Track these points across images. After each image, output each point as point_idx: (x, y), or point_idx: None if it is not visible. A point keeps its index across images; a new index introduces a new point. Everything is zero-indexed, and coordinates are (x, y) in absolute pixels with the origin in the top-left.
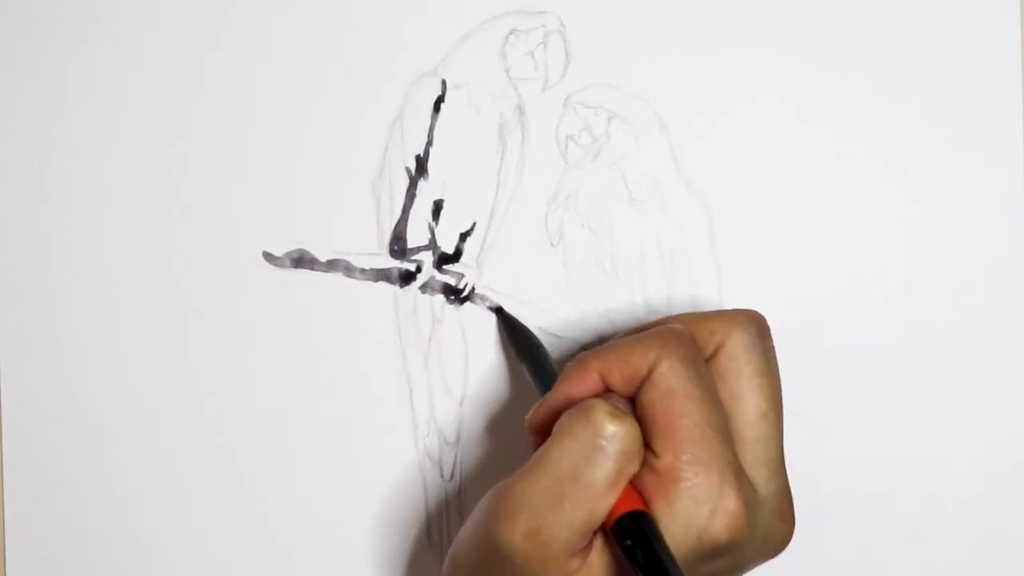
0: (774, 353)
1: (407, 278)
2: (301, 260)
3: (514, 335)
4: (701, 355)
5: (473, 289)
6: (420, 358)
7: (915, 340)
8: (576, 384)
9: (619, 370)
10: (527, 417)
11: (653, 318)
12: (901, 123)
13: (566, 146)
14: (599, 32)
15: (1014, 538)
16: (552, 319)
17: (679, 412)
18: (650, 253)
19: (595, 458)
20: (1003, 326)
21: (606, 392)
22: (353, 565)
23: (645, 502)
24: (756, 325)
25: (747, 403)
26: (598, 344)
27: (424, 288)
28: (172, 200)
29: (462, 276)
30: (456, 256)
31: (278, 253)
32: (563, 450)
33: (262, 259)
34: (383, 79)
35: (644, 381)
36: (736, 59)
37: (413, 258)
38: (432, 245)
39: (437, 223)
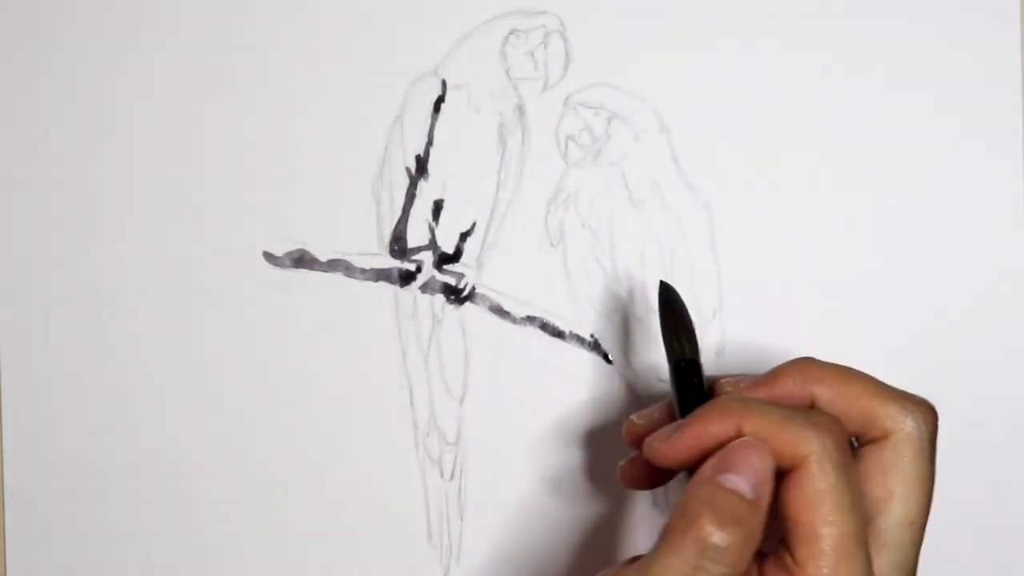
0: (935, 456)
1: (407, 278)
2: (301, 260)
3: (672, 324)
4: (851, 454)
5: (473, 289)
6: (420, 358)
7: (915, 340)
8: (711, 430)
9: (764, 439)
10: (649, 440)
11: (653, 318)
12: (901, 123)
13: (566, 146)
14: (599, 32)
15: (1014, 538)
16: (552, 319)
17: (825, 520)
18: (650, 253)
19: (702, 569)
20: (1003, 326)
21: (743, 441)
22: (353, 565)
23: None
24: (931, 424)
25: (901, 507)
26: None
27: (424, 288)
28: (172, 200)
29: (462, 276)
30: (456, 256)
31: (278, 253)
32: (667, 567)
33: (262, 259)
34: (383, 79)
35: (790, 473)
36: (736, 59)
37: (413, 258)
38: (432, 245)
39: (437, 223)
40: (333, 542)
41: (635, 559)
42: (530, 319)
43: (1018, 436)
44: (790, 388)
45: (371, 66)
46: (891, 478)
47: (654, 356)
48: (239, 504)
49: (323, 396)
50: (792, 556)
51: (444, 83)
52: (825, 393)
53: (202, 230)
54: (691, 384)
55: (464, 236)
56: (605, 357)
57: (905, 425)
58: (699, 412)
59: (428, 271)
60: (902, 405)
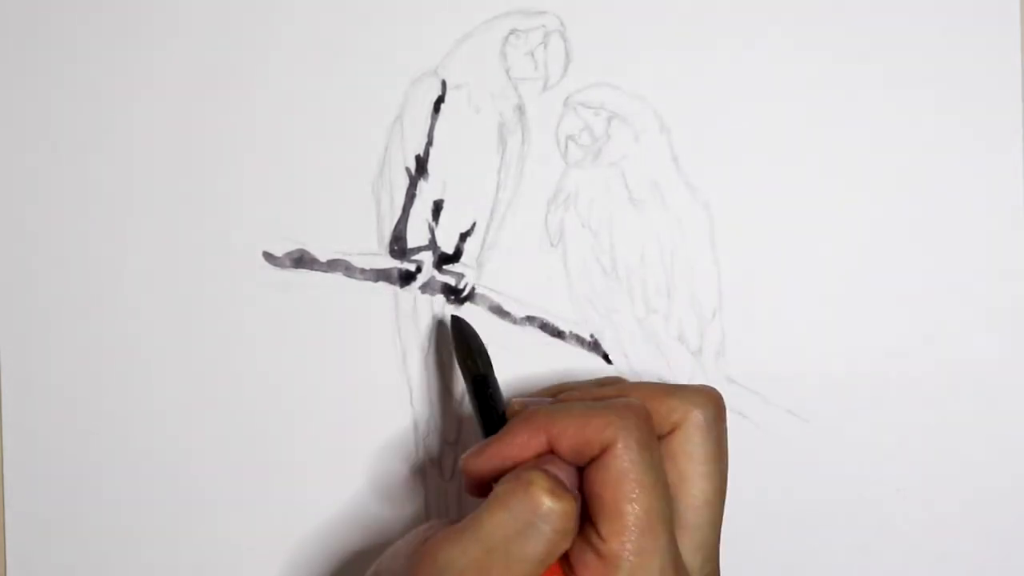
0: (726, 438)
1: (407, 278)
2: (301, 260)
3: (463, 347)
4: (655, 436)
5: (473, 289)
6: (420, 358)
7: (915, 340)
8: (521, 443)
9: (570, 439)
10: (464, 456)
11: (653, 318)
12: (901, 123)
13: (566, 146)
14: (599, 32)
15: (1015, 538)
16: (552, 319)
17: (628, 498)
18: (650, 253)
19: (529, 535)
20: (1003, 326)
21: (550, 455)
22: (354, 565)
23: None
24: (715, 407)
25: (694, 488)
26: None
27: (424, 288)
28: (172, 200)
29: (462, 276)
30: (456, 256)
31: (278, 253)
32: (496, 522)
33: (262, 259)
34: (383, 79)
35: (596, 458)
36: (736, 59)
37: (413, 258)
38: (432, 245)
39: (437, 223)
40: (334, 541)
41: (456, 521)
42: (530, 319)
43: (1018, 436)
44: (589, 394)
45: (371, 66)
46: (683, 462)
47: (654, 356)
48: (239, 504)
49: (323, 396)
50: (597, 532)
51: (444, 83)
52: None
53: (202, 230)
54: (487, 396)
55: (464, 236)
56: (605, 357)
57: (690, 414)
58: (511, 426)
59: (428, 271)
60: (684, 397)
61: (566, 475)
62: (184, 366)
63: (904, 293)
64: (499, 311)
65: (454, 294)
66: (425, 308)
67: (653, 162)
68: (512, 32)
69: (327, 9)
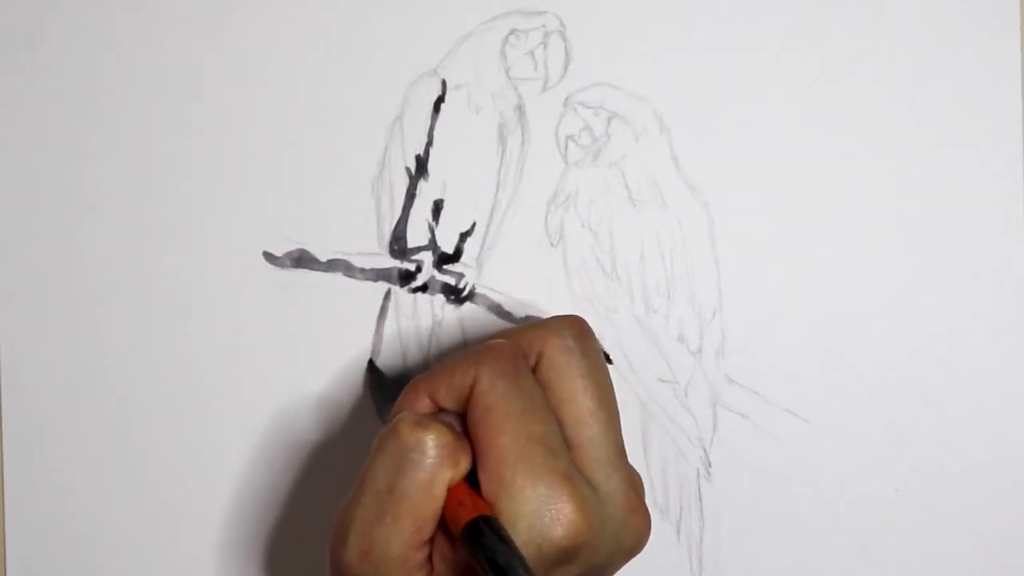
0: (597, 354)
1: (407, 278)
2: (301, 260)
3: (377, 388)
4: (523, 367)
5: (473, 289)
6: (420, 358)
7: (915, 340)
8: (407, 406)
9: (445, 389)
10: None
11: (653, 318)
12: (901, 123)
13: (566, 146)
14: (599, 32)
15: (1015, 538)
16: None
17: (498, 431)
18: (650, 253)
19: (404, 469)
20: (1003, 326)
21: (439, 411)
22: None
23: None
24: (572, 329)
25: (574, 406)
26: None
27: (424, 288)
28: (172, 200)
29: (462, 276)
30: (456, 256)
31: (278, 253)
32: (376, 467)
33: (262, 259)
34: (383, 79)
35: (468, 400)
36: (736, 59)
37: (413, 258)
38: (432, 245)
39: (437, 223)
40: None
41: None
42: (530, 319)
43: (1018, 436)
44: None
45: (371, 66)
46: (555, 385)
47: (654, 356)
48: (239, 504)
49: (323, 396)
50: (479, 473)
51: (444, 83)
52: None
53: (202, 230)
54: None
55: (464, 236)
56: (605, 357)
57: (548, 339)
58: (398, 399)
59: (428, 271)
60: (542, 325)
61: (455, 424)
62: (184, 366)
63: (904, 292)
64: (499, 311)
65: (454, 294)
66: (425, 308)
67: (653, 162)
68: (512, 32)
69: (327, 9)
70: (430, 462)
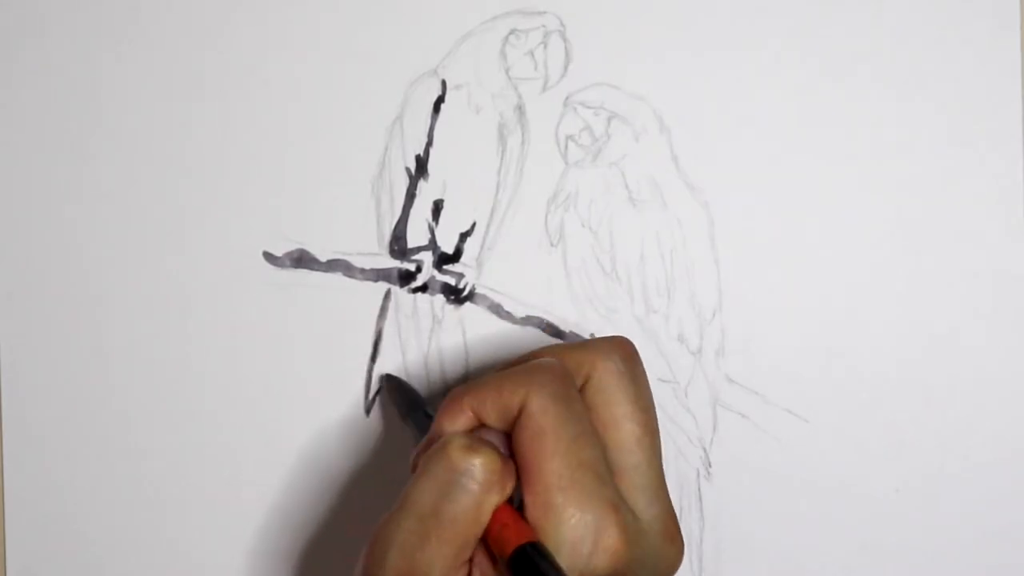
0: (644, 378)
1: (407, 278)
2: (301, 260)
3: (400, 395)
4: (572, 388)
5: (473, 289)
6: (420, 358)
7: (915, 340)
8: (449, 421)
9: (491, 406)
10: (411, 458)
11: (653, 318)
12: (901, 123)
13: (566, 146)
14: (599, 32)
15: (1015, 538)
16: (552, 319)
17: (549, 453)
18: (650, 253)
19: (452, 494)
20: (1003, 326)
21: (480, 427)
22: (352, 564)
23: None
24: (621, 352)
25: (620, 432)
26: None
27: (424, 288)
28: (172, 200)
29: (462, 276)
30: (456, 256)
31: (278, 253)
32: (422, 489)
33: (262, 259)
34: (383, 79)
35: (516, 420)
36: (736, 59)
37: (413, 258)
38: (432, 245)
39: (437, 223)
40: (333, 541)
41: None
42: (530, 319)
43: (1018, 436)
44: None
45: (371, 66)
46: (602, 410)
47: (654, 356)
48: (239, 504)
49: (323, 396)
50: (524, 499)
51: (444, 83)
52: None
53: (202, 230)
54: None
55: (464, 236)
56: None
57: (597, 363)
58: (438, 412)
59: (428, 271)
60: (590, 348)
61: (497, 443)
62: (184, 366)
63: (904, 293)
64: (499, 311)
65: (454, 294)
66: (425, 308)
67: (653, 162)
68: (512, 32)
69: (327, 9)
70: (478, 488)
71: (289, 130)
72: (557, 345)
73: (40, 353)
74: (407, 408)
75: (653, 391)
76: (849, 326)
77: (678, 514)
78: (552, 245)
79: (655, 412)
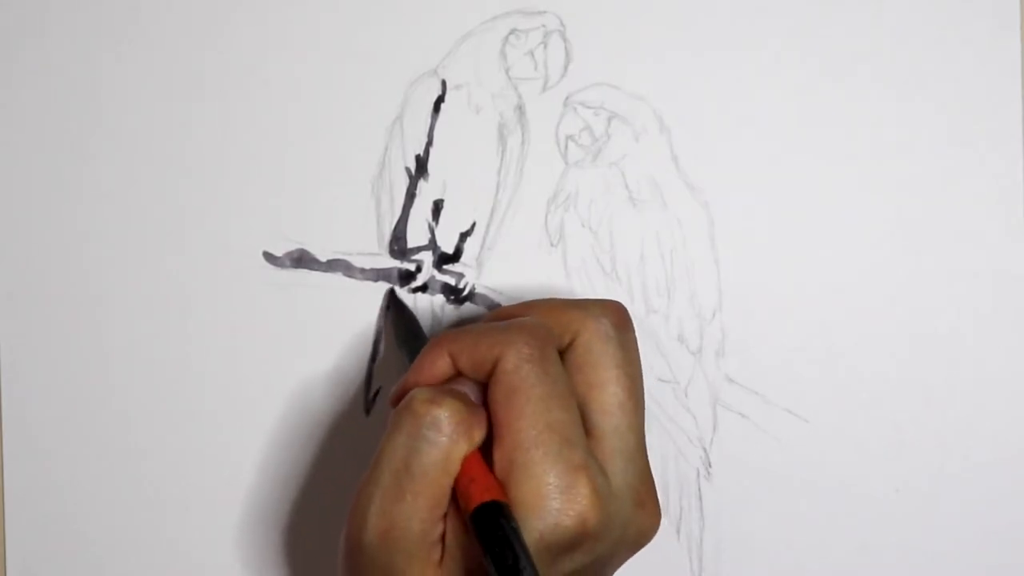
0: (634, 344)
1: (407, 278)
2: (301, 260)
3: (399, 320)
4: (550, 350)
5: (473, 289)
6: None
7: (915, 340)
8: (428, 365)
9: (467, 357)
10: (388, 395)
11: (653, 318)
12: (901, 123)
13: (566, 146)
14: (599, 32)
15: (1015, 538)
16: None
17: (518, 413)
18: (650, 253)
19: (420, 447)
20: (1003, 326)
21: (457, 376)
22: None
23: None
24: (613, 316)
25: (603, 393)
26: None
27: (424, 288)
28: (172, 200)
29: (462, 276)
30: (456, 256)
31: (278, 253)
32: (393, 444)
33: (262, 259)
34: (383, 79)
35: (490, 375)
36: (736, 59)
37: (413, 258)
38: (432, 245)
39: (437, 223)
40: (332, 539)
41: None
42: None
43: (1018, 436)
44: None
45: (371, 66)
46: (587, 371)
47: (654, 356)
48: (239, 504)
49: (323, 396)
50: (494, 451)
51: (444, 83)
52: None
53: (202, 230)
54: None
55: (464, 236)
56: None
57: (587, 323)
58: (420, 352)
59: (428, 271)
60: (581, 308)
61: (471, 392)
62: (184, 366)
63: (904, 292)
64: None
65: (454, 294)
66: (425, 308)
67: (653, 162)
68: (512, 32)
69: (327, 9)
70: (445, 439)
71: (289, 130)
72: (550, 300)
73: (40, 353)
74: (404, 335)
75: (653, 391)
76: (849, 326)
77: (678, 514)
78: (552, 245)
79: (641, 379)
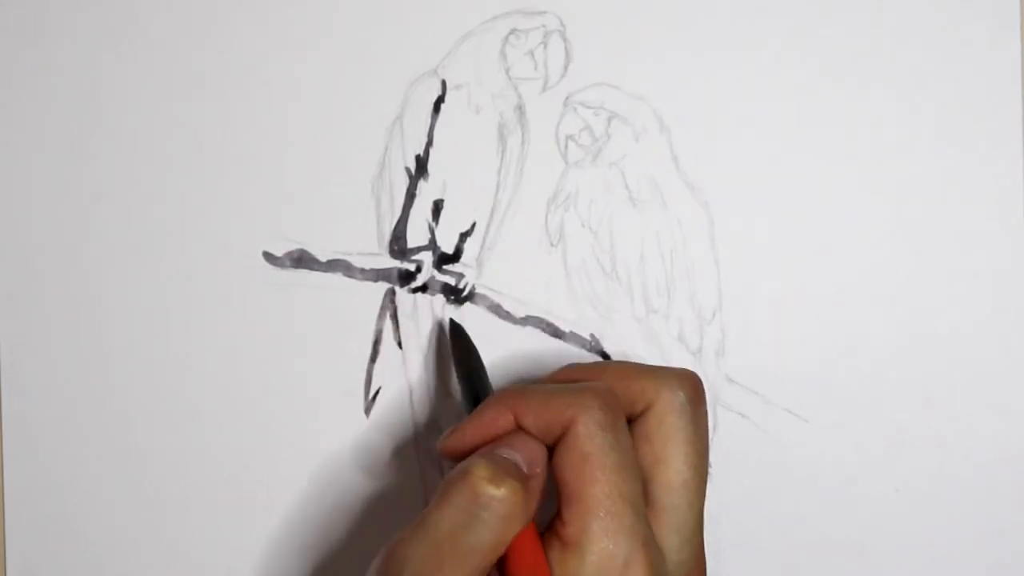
0: (706, 420)
1: (407, 278)
2: (301, 260)
3: (458, 347)
4: (621, 417)
5: (473, 289)
6: (420, 358)
7: (915, 340)
8: (489, 422)
9: (534, 417)
10: (440, 440)
11: (653, 318)
12: (901, 123)
13: (566, 146)
14: (599, 32)
15: (1015, 538)
16: (552, 319)
17: (591, 480)
18: (650, 253)
19: (472, 526)
20: (1003, 326)
21: (517, 431)
22: (350, 566)
23: (551, 566)
24: (690, 388)
25: (670, 469)
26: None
27: (424, 288)
28: (172, 200)
29: (462, 276)
30: (456, 256)
31: (278, 253)
32: (442, 516)
33: (262, 259)
34: (383, 79)
35: (559, 439)
36: (736, 59)
37: (413, 258)
38: (432, 245)
39: (437, 223)
40: (331, 541)
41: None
42: (530, 319)
43: (1019, 436)
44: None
45: (371, 66)
46: (657, 444)
47: (654, 356)
48: (238, 505)
49: (323, 396)
50: (561, 518)
51: (444, 83)
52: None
53: (202, 230)
54: (477, 392)
55: (464, 236)
56: (605, 357)
57: (662, 394)
58: (480, 405)
59: (428, 271)
60: (657, 377)
61: (529, 452)
62: (184, 366)
63: (904, 292)
64: (499, 311)
65: (454, 294)
66: (425, 308)
67: (653, 162)
68: (512, 32)
69: (327, 9)
70: (500, 522)
71: (289, 130)
72: (624, 363)
73: (40, 353)
74: (464, 366)
75: None
76: (849, 326)
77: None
78: (552, 245)
79: (708, 456)
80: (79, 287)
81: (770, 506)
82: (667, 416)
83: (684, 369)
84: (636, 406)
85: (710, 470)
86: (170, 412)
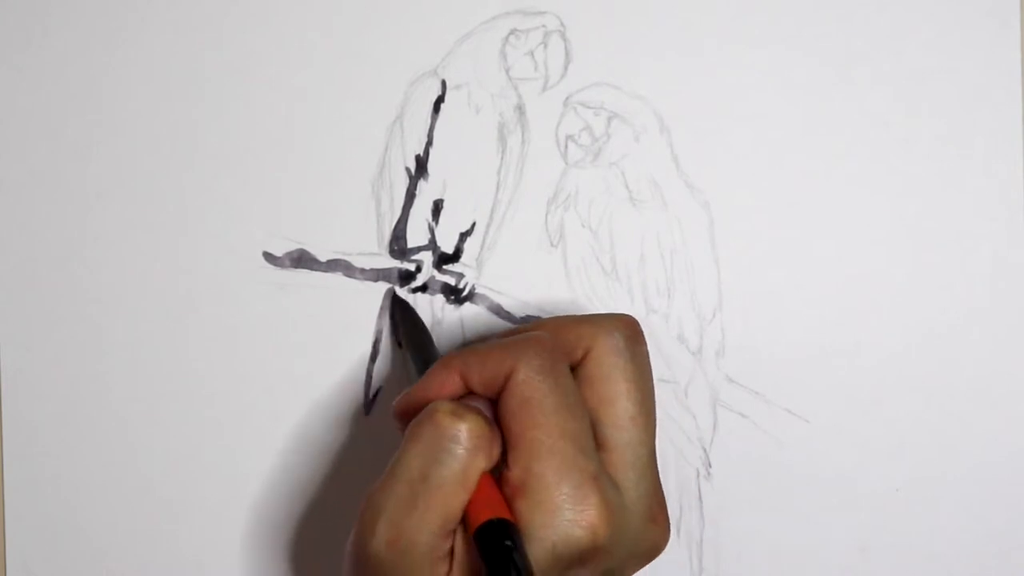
0: (646, 358)
1: (407, 278)
2: (301, 260)
3: (405, 320)
4: (561, 363)
5: (473, 289)
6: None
7: (915, 340)
8: (437, 384)
9: (477, 373)
10: (392, 404)
11: (653, 318)
12: (901, 123)
13: (566, 146)
14: (599, 32)
15: (1015, 538)
16: None
17: (531, 424)
18: (650, 253)
19: (441, 459)
20: (1003, 326)
21: (468, 394)
22: None
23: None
24: (625, 330)
25: (615, 408)
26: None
27: (424, 288)
28: (172, 200)
29: (462, 276)
30: (456, 256)
31: (278, 253)
32: (411, 454)
33: (262, 259)
34: (383, 79)
35: (502, 389)
36: (736, 59)
37: (413, 258)
38: (432, 245)
39: (437, 223)
40: (332, 539)
41: None
42: (530, 319)
43: (1018, 436)
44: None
45: (371, 66)
46: (599, 385)
47: (654, 356)
48: (238, 504)
49: (323, 396)
50: (507, 464)
51: (444, 83)
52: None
53: (202, 230)
54: (428, 361)
55: (464, 236)
56: None
57: (599, 338)
58: (428, 370)
59: (428, 271)
60: (594, 323)
61: (483, 407)
62: (184, 366)
63: (904, 293)
64: (499, 311)
65: (454, 294)
66: (425, 308)
67: (653, 162)
68: (512, 32)
69: (327, 9)
70: (466, 452)
71: (289, 130)
72: (561, 316)
73: (40, 353)
74: (410, 335)
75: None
76: (849, 326)
77: (678, 514)
78: (552, 245)
79: (653, 392)
80: (79, 287)
81: (770, 506)
82: (606, 357)
83: (619, 313)
84: (576, 353)
85: (709, 469)
86: (170, 412)
